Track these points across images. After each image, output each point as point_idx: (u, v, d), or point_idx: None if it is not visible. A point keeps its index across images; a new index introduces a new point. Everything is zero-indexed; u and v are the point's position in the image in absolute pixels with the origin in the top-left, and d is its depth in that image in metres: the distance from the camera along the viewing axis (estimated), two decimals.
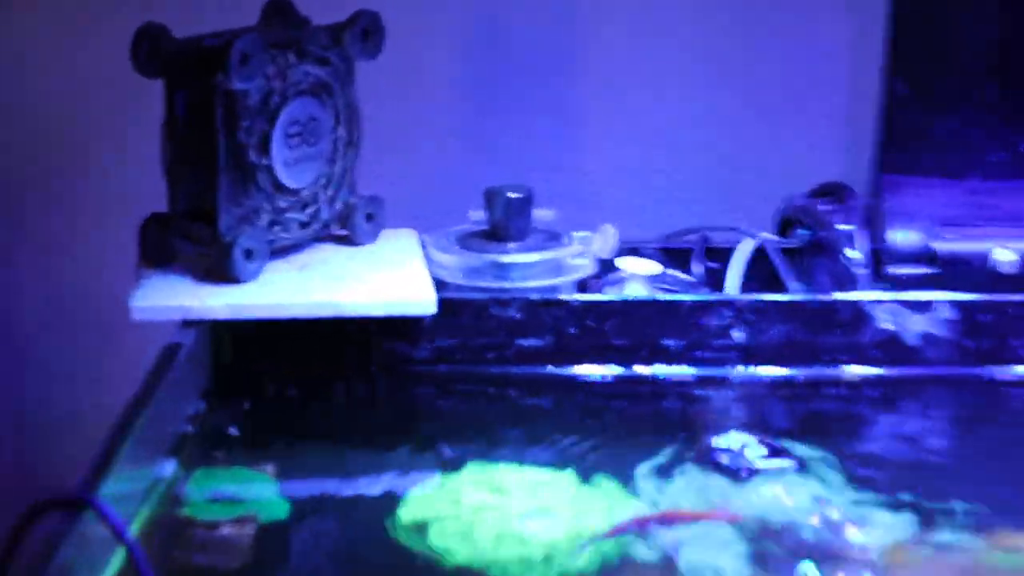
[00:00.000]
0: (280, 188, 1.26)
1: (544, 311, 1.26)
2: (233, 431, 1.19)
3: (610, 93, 1.62)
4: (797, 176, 1.45)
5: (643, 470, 1.12)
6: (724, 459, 1.12)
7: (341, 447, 1.19)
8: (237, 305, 1.19)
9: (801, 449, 1.14)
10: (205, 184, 1.22)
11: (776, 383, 1.27)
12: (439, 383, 1.27)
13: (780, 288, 1.33)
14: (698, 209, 1.46)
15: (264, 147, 1.24)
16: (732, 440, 1.14)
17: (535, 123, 1.61)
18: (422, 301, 1.21)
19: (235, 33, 1.21)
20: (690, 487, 1.10)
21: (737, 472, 1.10)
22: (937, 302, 1.26)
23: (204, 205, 1.23)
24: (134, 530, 1.01)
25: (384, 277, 1.25)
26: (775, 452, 1.12)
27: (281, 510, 1.08)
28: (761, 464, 1.11)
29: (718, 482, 1.10)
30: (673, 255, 1.40)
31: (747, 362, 1.27)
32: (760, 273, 1.36)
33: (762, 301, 1.27)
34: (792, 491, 1.08)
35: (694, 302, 1.27)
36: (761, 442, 1.13)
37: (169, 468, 1.10)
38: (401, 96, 1.57)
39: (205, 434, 1.18)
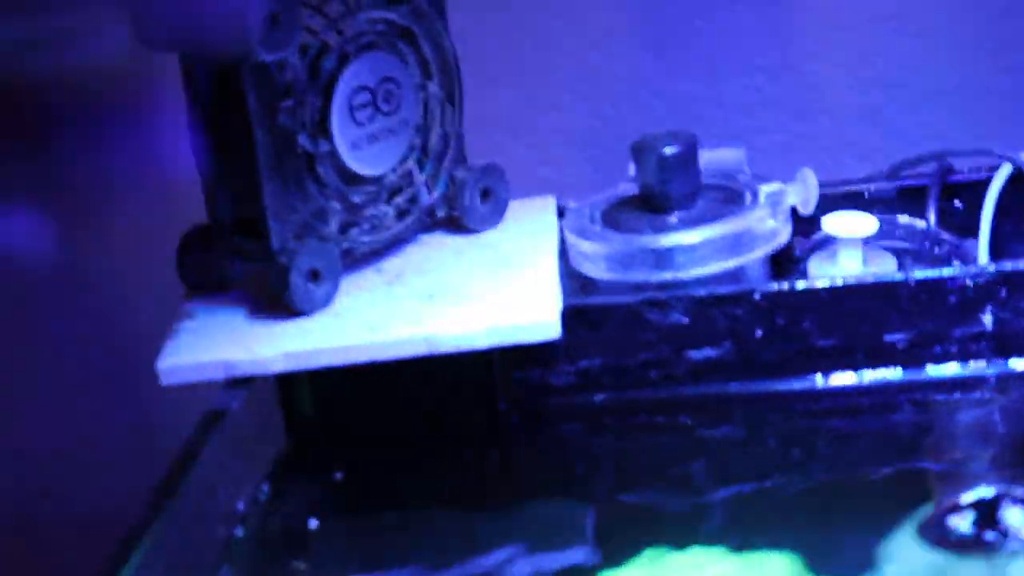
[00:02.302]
0: (352, 178, 0.95)
1: (717, 310, 0.92)
2: (312, 523, 0.89)
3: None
4: None
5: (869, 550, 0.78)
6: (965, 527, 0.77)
7: (457, 530, 0.88)
8: (296, 353, 0.88)
9: None
10: (249, 186, 0.92)
11: None
12: (590, 420, 0.95)
13: None
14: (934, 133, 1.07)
15: (321, 129, 0.92)
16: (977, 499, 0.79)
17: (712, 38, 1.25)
18: (538, 324, 0.88)
19: None
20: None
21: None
22: None
23: (251, 212, 0.92)
24: None
25: (494, 287, 0.93)
26: None
27: None
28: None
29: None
30: (902, 197, 1.04)
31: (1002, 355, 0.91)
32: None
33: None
34: None
35: (920, 281, 0.91)
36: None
37: None
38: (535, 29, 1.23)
39: (268, 533, 0.88)
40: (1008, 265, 0.90)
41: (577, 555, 0.84)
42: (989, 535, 0.77)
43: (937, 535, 0.77)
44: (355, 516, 0.91)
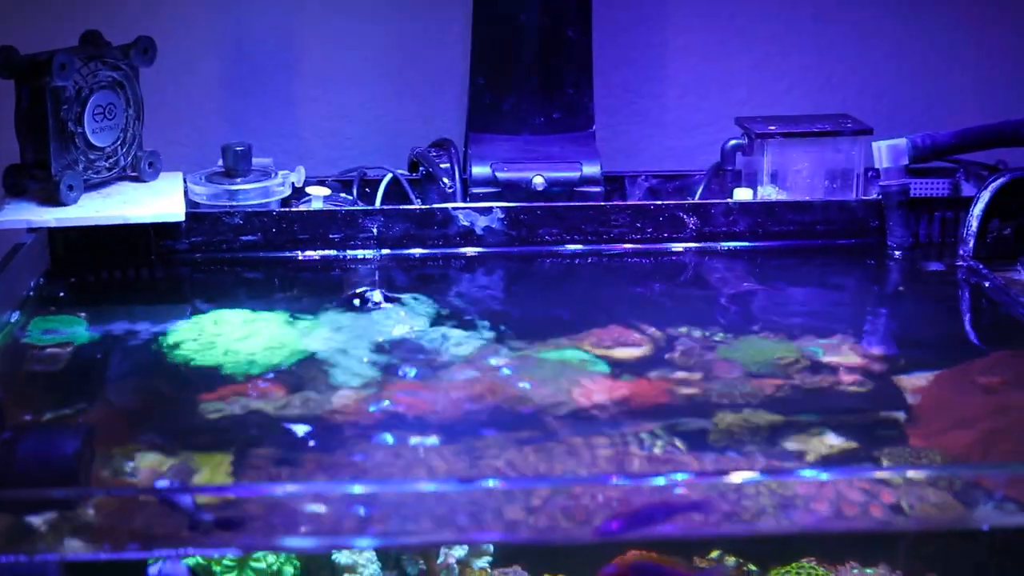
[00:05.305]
0: (91, 146, 2.05)
1: (256, 218, 2.07)
2: (62, 294, 1.98)
3: (313, 77, 2.45)
4: (429, 135, 2.30)
5: (314, 312, 1.92)
6: (356, 303, 1.93)
7: (132, 306, 1.98)
8: (61, 218, 1.98)
9: (409, 298, 1.95)
10: (43, 145, 2.01)
11: (400, 260, 2.09)
12: (194, 265, 2.08)
13: (406, 202, 2.16)
14: (371, 156, 2.32)
15: (78, 121, 2.02)
16: (362, 292, 1.95)
17: (264, 104, 2.43)
18: (174, 213, 2.01)
19: (58, 51, 1.99)
20: (338, 320, 1.90)
21: (363, 308, 1.92)
22: (495, 207, 2.09)
23: (43, 158, 2.02)
24: None
25: (154, 200, 2.05)
26: (388, 298, 1.93)
27: (88, 339, 1.87)
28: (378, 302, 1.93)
29: (351, 316, 1.91)
30: (347, 184, 2.22)
31: (380, 247, 2.09)
32: (398, 194, 2.19)
33: (383, 208, 2.10)
34: (398, 318, 1.89)
35: (344, 211, 2.09)
36: (382, 293, 1.95)
37: (15, 316, 1.89)
38: (177, 92, 2.38)
39: (42, 297, 1.97)
40: (373, 208, 2.09)
41: (181, 320, 1.94)
42: (370, 304, 1.93)
43: (349, 305, 1.93)
44: (80, 301, 1.99)
